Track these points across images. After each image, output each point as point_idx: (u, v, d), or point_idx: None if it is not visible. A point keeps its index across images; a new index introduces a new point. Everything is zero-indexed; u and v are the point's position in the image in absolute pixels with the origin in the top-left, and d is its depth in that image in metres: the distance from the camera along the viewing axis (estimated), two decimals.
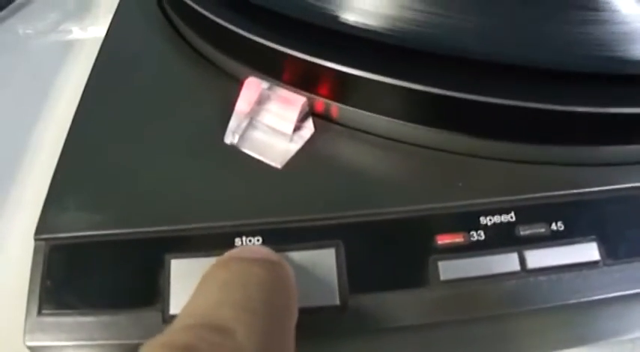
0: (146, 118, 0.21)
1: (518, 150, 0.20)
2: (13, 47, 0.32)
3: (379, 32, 0.19)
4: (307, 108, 0.20)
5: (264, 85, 0.20)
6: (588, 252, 0.19)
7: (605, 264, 0.19)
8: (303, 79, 0.21)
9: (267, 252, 0.17)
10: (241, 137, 0.20)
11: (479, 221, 0.19)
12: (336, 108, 0.21)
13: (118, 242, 0.19)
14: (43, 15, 0.33)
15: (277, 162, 0.20)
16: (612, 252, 0.19)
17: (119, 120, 0.21)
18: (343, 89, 0.20)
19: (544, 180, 0.20)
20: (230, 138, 0.20)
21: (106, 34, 0.25)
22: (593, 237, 0.19)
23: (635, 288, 0.19)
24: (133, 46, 0.24)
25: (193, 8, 0.22)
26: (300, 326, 0.16)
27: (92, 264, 0.18)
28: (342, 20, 0.19)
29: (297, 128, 0.20)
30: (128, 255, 0.18)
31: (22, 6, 0.34)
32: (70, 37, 0.32)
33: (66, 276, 0.18)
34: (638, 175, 0.20)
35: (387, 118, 0.20)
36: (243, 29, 0.21)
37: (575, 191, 0.20)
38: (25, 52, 0.31)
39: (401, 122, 0.20)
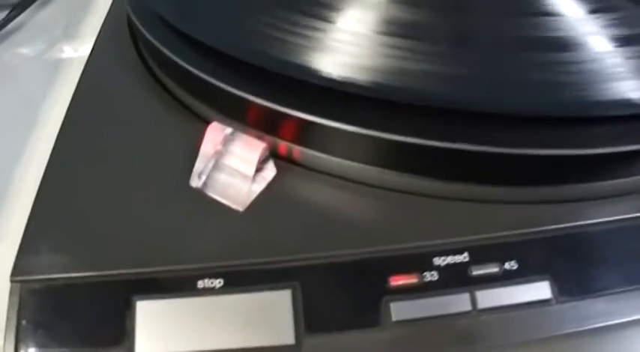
0: (117, 161, 0.22)
1: (472, 191, 0.21)
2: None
3: (339, 82, 0.19)
4: (268, 153, 0.21)
5: (228, 130, 0.21)
6: (540, 290, 0.20)
7: (558, 302, 0.20)
8: (267, 124, 0.21)
9: None
10: (206, 180, 0.21)
11: (432, 262, 0.20)
12: (297, 151, 0.21)
13: (88, 284, 0.20)
14: (30, 42, 0.34)
15: (239, 205, 0.21)
16: (565, 289, 0.20)
17: (91, 164, 0.22)
18: (304, 134, 0.21)
19: (498, 219, 0.20)
20: (195, 181, 0.21)
21: (82, 73, 0.25)
22: (545, 275, 0.20)
23: (587, 325, 0.20)
24: (107, 87, 0.25)
25: (161, 51, 0.23)
26: None
27: (65, 305, 0.20)
28: (306, 71, 0.20)
29: (258, 169, 0.21)
30: (98, 297, 0.20)
31: (8, 34, 0.35)
32: (59, 61, 0.33)
33: (40, 317, 0.19)
34: (591, 212, 0.21)
35: (342, 160, 0.21)
36: (208, 74, 0.21)
37: (528, 230, 0.20)
38: (11, 80, 0.32)
39: (357, 164, 0.21)
